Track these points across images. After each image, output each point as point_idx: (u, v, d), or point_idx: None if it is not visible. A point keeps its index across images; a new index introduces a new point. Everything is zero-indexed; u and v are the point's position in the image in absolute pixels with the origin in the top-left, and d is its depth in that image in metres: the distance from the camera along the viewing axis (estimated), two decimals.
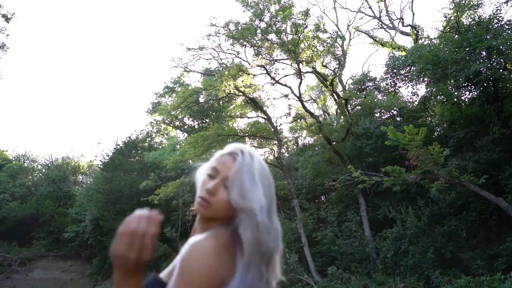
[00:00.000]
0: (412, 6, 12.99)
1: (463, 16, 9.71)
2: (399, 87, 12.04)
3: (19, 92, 54.35)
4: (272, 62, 11.45)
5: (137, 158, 20.24)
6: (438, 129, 11.68)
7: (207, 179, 1.11)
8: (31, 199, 25.19)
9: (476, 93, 9.38)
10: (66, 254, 23.05)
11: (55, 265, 22.67)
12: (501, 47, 8.21)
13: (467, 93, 9.75)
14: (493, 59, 8.45)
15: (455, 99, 9.95)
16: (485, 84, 8.62)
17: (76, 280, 21.39)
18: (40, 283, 20.85)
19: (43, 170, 30.31)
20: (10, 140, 52.50)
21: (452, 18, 9.93)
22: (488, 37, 8.23)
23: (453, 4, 9.58)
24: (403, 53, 11.18)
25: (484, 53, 8.39)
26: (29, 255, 22.92)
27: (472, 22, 9.01)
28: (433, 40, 10.34)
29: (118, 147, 20.57)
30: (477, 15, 9.34)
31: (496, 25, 8.49)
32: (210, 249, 0.99)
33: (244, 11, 10.41)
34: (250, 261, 0.99)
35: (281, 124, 15.97)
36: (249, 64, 11.51)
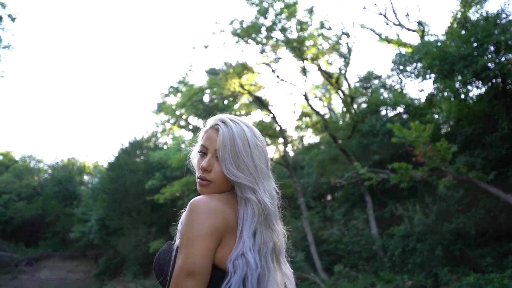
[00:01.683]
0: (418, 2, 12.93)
1: (470, 11, 9.60)
2: (405, 84, 11.96)
3: (25, 93, 54.75)
4: (277, 60, 11.41)
5: (142, 158, 20.30)
6: (445, 126, 11.57)
7: (200, 158, 1.15)
8: (37, 199, 25.40)
9: (484, 89, 9.28)
10: (72, 254, 23.21)
11: (62, 265, 22.82)
12: (509, 42, 8.10)
13: (475, 89, 9.64)
14: (501, 54, 8.34)
15: (462, 95, 9.84)
16: (493, 80, 8.51)
17: (82, 280, 21.51)
18: (46, 283, 20.98)
19: (49, 171, 30.51)
20: (16, 141, 52.87)
21: (459, 13, 9.83)
22: (496, 32, 8.12)
23: None
24: (409, 50, 11.07)
25: (492, 48, 8.29)
26: (36, 255, 23.11)
27: (480, 17, 8.90)
28: (439, 36, 10.23)
29: (124, 147, 20.65)
30: (485, 10, 9.23)
31: (504, 20, 8.39)
32: (210, 197, 1.06)
33: (249, 5, 10.35)
34: (256, 223, 1.06)
35: (286, 123, 15.93)
36: (254, 62, 11.49)
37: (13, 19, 13.97)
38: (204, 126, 1.19)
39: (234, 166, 1.07)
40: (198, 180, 1.14)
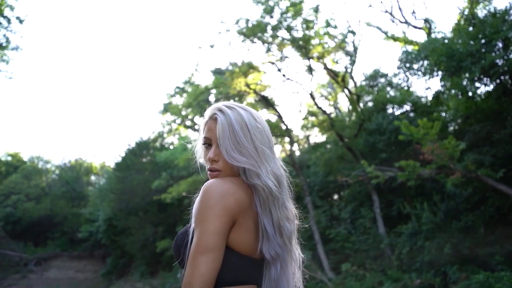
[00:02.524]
0: None
1: (478, 8, 9.51)
2: (412, 82, 11.89)
3: (32, 94, 55.28)
4: (283, 58, 11.40)
5: (148, 158, 20.41)
6: (453, 124, 11.47)
7: (206, 150, 1.17)
8: (46, 199, 25.62)
9: (492, 86, 9.18)
10: (80, 254, 23.37)
11: (70, 265, 22.99)
12: None
13: (483, 86, 9.55)
14: (509, 51, 8.25)
15: (470, 93, 9.75)
16: (501, 77, 8.42)
17: (90, 280, 21.64)
18: (55, 283, 21.14)
19: (57, 171, 30.77)
20: (24, 142, 53.38)
21: (467, 10, 9.75)
22: (504, 28, 8.04)
23: None
24: (416, 48, 11.00)
25: (500, 44, 8.20)
26: (44, 255, 23.30)
27: (487, 14, 8.82)
28: (446, 34, 10.14)
29: (130, 147, 20.77)
30: (492, 6, 9.14)
31: None
32: (222, 180, 1.08)
33: (255, 4, 10.36)
34: (268, 207, 1.08)
35: (292, 122, 15.91)
36: (260, 61, 11.49)
37: (21, 21, 14.12)
38: (203, 118, 1.21)
39: (236, 151, 1.08)
40: (208, 172, 1.16)
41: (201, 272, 0.97)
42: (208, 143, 1.15)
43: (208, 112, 1.18)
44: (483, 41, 8.13)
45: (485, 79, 9.07)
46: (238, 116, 1.12)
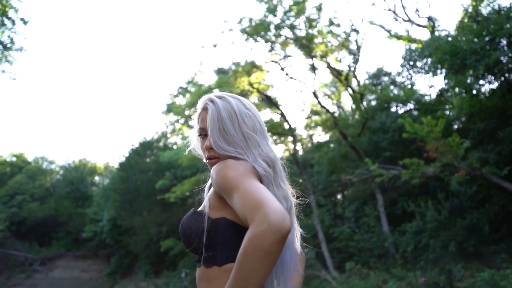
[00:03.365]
0: None
1: (482, 5, 9.46)
2: (415, 80, 11.85)
3: (36, 95, 55.56)
4: (286, 57, 11.40)
5: (152, 158, 20.47)
6: (457, 122, 11.42)
7: (203, 141, 1.21)
8: (50, 200, 25.75)
9: (496, 84, 9.14)
10: (85, 253, 23.47)
11: (75, 265, 23.10)
12: None
13: (487, 84, 9.51)
14: None
15: (474, 91, 9.71)
16: (506, 74, 8.38)
17: (95, 279, 21.74)
18: (60, 283, 21.26)
19: (61, 172, 30.92)
20: (28, 143, 53.68)
21: (470, 8, 9.70)
22: (508, 25, 8.00)
23: None
24: (420, 46, 10.97)
25: (504, 42, 8.16)
26: (49, 255, 23.42)
27: (491, 11, 8.77)
28: (450, 32, 10.10)
29: (134, 147, 20.84)
30: (497, 3, 9.09)
31: None
32: (235, 159, 1.10)
33: (258, 3, 10.36)
34: (265, 183, 1.09)
35: (295, 121, 15.90)
36: (263, 60, 11.49)
37: (25, 23, 14.21)
38: (195, 110, 1.25)
39: (222, 140, 1.12)
40: (207, 161, 1.19)
41: (268, 195, 0.93)
42: (204, 133, 1.19)
43: (200, 104, 1.21)
44: (487, 38, 8.09)
45: (489, 76, 9.04)
46: (227, 104, 1.15)
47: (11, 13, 12.59)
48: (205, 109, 1.19)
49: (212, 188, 1.14)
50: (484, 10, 9.50)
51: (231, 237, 1.06)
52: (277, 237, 0.85)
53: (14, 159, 30.08)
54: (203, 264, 1.08)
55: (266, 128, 1.22)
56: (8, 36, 12.84)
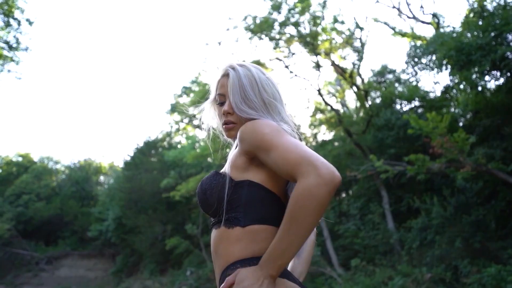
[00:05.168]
0: None
1: (487, 1, 9.41)
2: (420, 76, 11.80)
3: (41, 95, 55.92)
4: (290, 55, 11.40)
5: (157, 157, 20.56)
6: (462, 119, 11.37)
7: (220, 107, 1.21)
8: (56, 199, 25.92)
9: (502, 80, 9.09)
10: (90, 252, 23.62)
11: (80, 264, 23.25)
12: None
13: (493, 80, 9.46)
14: None
15: (479, 88, 9.66)
16: None
17: (100, 278, 21.86)
18: (66, 281, 21.41)
19: (66, 171, 31.11)
20: (34, 143, 54.03)
21: (476, 4, 9.65)
22: None
23: None
24: (424, 42, 10.93)
25: (510, 37, 8.11)
26: (55, 254, 23.60)
27: (497, 6, 8.72)
28: (456, 28, 10.05)
29: (139, 146, 20.93)
30: None
31: None
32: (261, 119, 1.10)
33: (262, 0, 10.37)
34: None
35: (299, 119, 15.88)
36: (267, 57, 11.50)
37: (30, 23, 14.32)
38: (215, 77, 1.25)
39: (244, 104, 1.13)
40: (224, 126, 1.20)
41: (311, 150, 0.95)
42: (222, 100, 1.20)
43: (220, 70, 1.22)
44: (493, 34, 8.04)
45: (495, 72, 8.98)
46: (247, 71, 1.16)
47: (16, 13, 12.69)
48: (225, 75, 1.19)
49: (236, 150, 1.13)
50: (490, 5, 9.45)
51: (255, 199, 1.06)
52: (330, 188, 0.88)
53: (20, 159, 30.29)
54: (224, 225, 1.07)
55: (285, 100, 1.23)
56: (14, 36, 12.95)
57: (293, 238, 0.91)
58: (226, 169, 1.16)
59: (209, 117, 1.29)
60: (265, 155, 1.01)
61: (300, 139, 1.19)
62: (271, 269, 0.94)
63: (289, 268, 1.25)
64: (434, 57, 9.79)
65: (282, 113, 1.17)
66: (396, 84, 13.19)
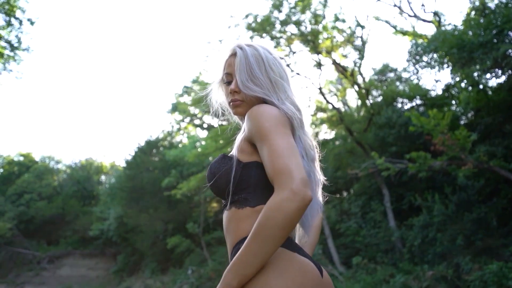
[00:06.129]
0: None
1: None
2: (421, 75, 11.79)
3: (43, 95, 56.02)
4: (292, 53, 11.41)
5: (158, 156, 20.57)
6: (464, 118, 11.36)
7: (227, 87, 1.22)
8: (57, 198, 25.97)
9: (504, 78, 9.08)
10: (92, 251, 23.65)
11: (82, 263, 23.29)
12: None
13: (494, 78, 9.45)
14: None
15: (481, 86, 9.65)
16: None
17: (102, 277, 21.89)
18: (67, 280, 21.45)
19: (68, 171, 31.16)
20: (35, 142, 54.14)
21: (477, 2, 9.64)
22: None
23: None
24: (426, 41, 10.91)
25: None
26: (57, 253, 23.63)
27: (499, 4, 8.71)
28: (457, 26, 10.03)
29: (140, 145, 20.95)
30: None
31: None
32: (269, 105, 1.10)
33: None
34: (297, 126, 1.12)
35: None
36: None
37: (32, 23, 14.35)
38: (222, 56, 1.26)
39: (250, 82, 1.14)
40: (231, 104, 1.21)
41: (295, 160, 0.96)
42: (229, 79, 1.21)
43: (228, 50, 1.23)
44: (494, 31, 8.03)
45: (496, 70, 8.97)
46: (255, 50, 1.18)
47: (18, 13, 12.73)
48: (233, 55, 1.20)
49: (244, 133, 1.15)
50: (491, 3, 9.44)
51: (264, 180, 1.07)
52: (299, 205, 0.90)
53: (21, 158, 30.35)
54: (234, 206, 1.09)
55: (291, 80, 1.24)
56: (16, 36, 12.98)
57: (257, 249, 0.92)
58: (233, 151, 1.17)
59: (217, 96, 1.30)
60: (258, 144, 1.05)
61: (302, 122, 1.19)
62: (232, 279, 0.94)
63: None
64: (435, 55, 9.78)
65: (288, 91, 1.18)
66: (397, 83, 13.18)
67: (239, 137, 1.18)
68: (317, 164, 1.24)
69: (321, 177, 1.26)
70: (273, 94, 1.14)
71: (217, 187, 1.14)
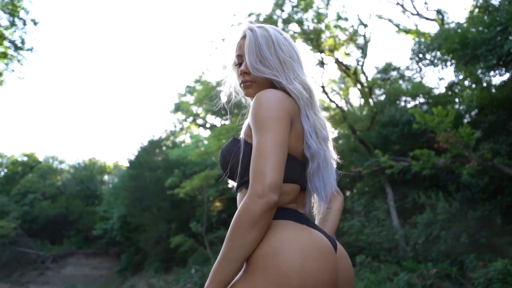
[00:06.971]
0: None
1: None
2: (424, 73, 11.77)
3: (46, 95, 56.24)
4: None
5: (161, 156, 20.62)
6: (467, 116, 11.32)
7: (238, 69, 1.24)
8: (61, 198, 26.08)
9: (507, 75, 9.04)
10: (95, 251, 23.74)
11: (85, 262, 23.37)
12: None
13: (498, 75, 9.41)
14: None
15: (484, 83, 9.62)
16: None
17: (105, 277, 21.97)
18: (71, 280, 21.52)
19: (71, 171, 31.28)
20: (39, 142, 54.36)
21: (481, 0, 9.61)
22: None
23: None
24: (429, 39, 10.88)
25: None
26: (61, 252, 23.73)
27: (503, 1, 8.68)
28: (461, 24, 10.01)
29: (143, 145, 21.01)
30: None
31: None
32: (274, 91, 1.10)
33: None
34: (302, 108, 1.12)
35: None
36: None
37: (35, 23, 14.41)
38: (234, 39, 1.27)
39: (259, 63, 1.14)
40: (241, 85, 1.23)
41: (273, 162, 0.98)
42: (240, 61, 1.23)
43: (239, 32, 1.24)
44: (498, 28, 8.00)
45: (500, 68, 8.94)
46: (265, 31, 1.18)
47: (22, 13, 12.78)
48: (243, 36, 1.22)
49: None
50: (495, 1, 9.41)
51: None
52: (262, 207, 0.94)
53: (25, 158, 30.50)
54: (245, 187, 1.10)
55: (303, 60, 1.24)
56: (20, 36, 13.03)
57: (229, 252, 0.95)
58: (241, 134, 1.19)
59: (231, 80, 1.32)
60: (252, 134, 1.06)
61: (311, 101, 1.18)
62: (209, 284, 0.96)
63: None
64: (438, 53, 9.75)
65: (298, 71, 1.18)
66: (400, 81, 13.16)
67: (247, 120, 1.19)
68: (330, 144, 1.24)
69: (334, 156, 1.26)
70: (282, 74, 1.14)
71: (229, 170, 1.15)
